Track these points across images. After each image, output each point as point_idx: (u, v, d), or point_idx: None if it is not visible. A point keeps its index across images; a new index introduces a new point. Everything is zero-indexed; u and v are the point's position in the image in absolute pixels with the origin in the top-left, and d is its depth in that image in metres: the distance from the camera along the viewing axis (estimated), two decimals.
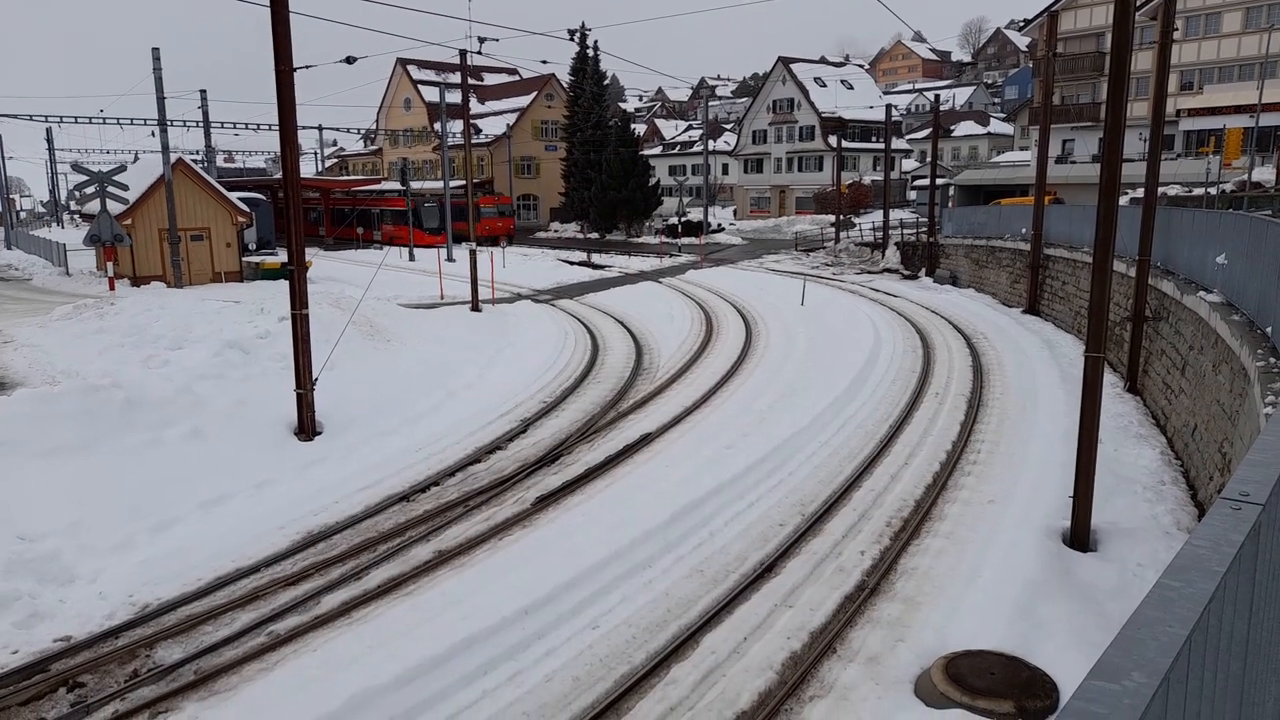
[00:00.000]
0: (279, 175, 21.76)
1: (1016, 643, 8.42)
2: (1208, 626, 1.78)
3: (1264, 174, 37.37)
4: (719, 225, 62.06)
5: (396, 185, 54.48)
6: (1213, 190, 32.26)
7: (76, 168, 31.92)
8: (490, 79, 76.41)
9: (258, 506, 12.47)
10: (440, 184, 48.70)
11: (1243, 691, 2.30)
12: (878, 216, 48.61)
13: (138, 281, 31.87)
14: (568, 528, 11.51)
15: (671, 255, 48.23)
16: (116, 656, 8.69)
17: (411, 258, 46.23)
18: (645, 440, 15.26)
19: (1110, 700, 1.40)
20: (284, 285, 19.45)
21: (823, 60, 76.98)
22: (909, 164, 77.69)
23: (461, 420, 16.68)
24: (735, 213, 75.32)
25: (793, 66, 70.54)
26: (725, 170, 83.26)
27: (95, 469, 12.60)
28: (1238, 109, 41.31)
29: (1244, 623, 2.21)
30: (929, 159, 46.19)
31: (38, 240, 47.95)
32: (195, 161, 40.22)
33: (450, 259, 43.11)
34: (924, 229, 41.67)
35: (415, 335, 22.80)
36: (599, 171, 58.59)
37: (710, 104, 70.44)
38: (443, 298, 31.78)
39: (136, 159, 50.25)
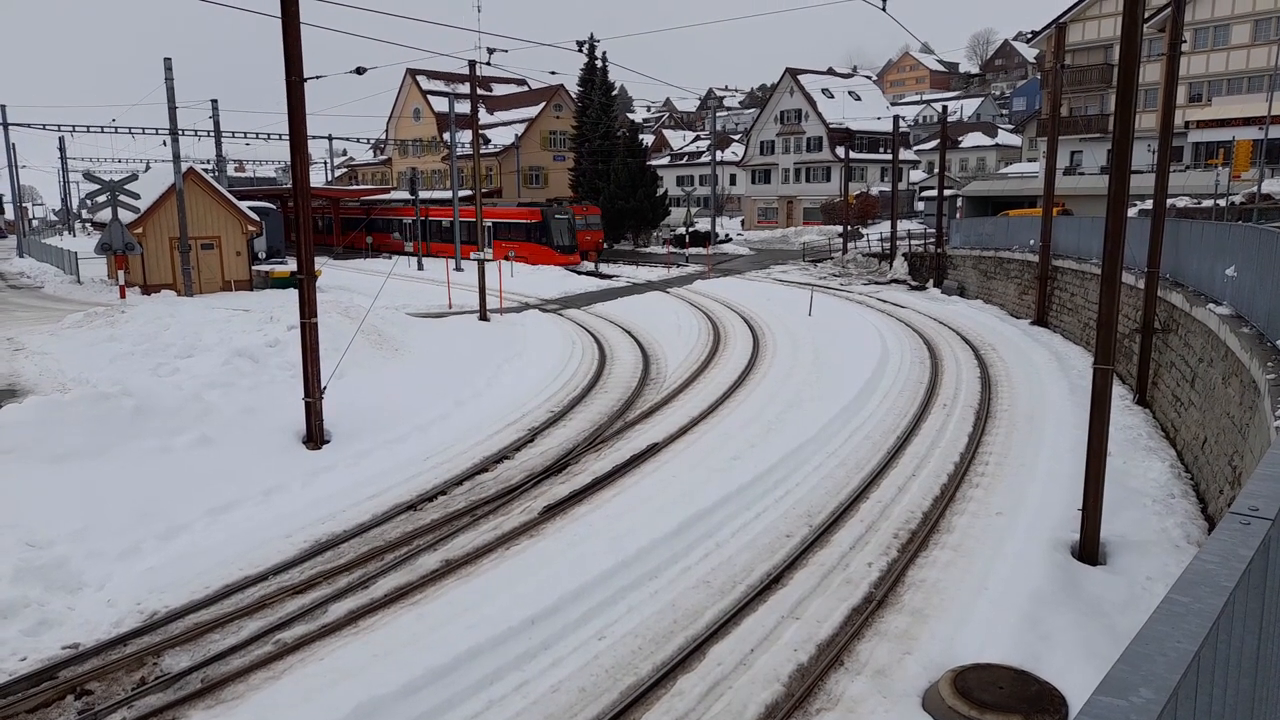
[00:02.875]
0: (290, 184, 21.82)
1: (1025, 656, 8.38)
2: (1216, 642, 1.78)
3: (1273, 186, 37.21)
4: (726, 235, 62.20)
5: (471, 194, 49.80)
6: (1222, 202, 32.16)
7: (88, 176, 32.16)
8: (499, 89, 76.72)
9: (265, 514, 12.50)
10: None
11: (1253, 708, 2.29)
12: (885, 227, 48.61)
13: (148, 290, 32.07)
14: (575, 537, 11.50)
15: (679, 265, 48.25)
16: (124, 664, 8.71)
17: (420, 267, 46.38)
18: (652, 450, 15.26)
19: (1118, 716, 1.41)
20: (293, 294, 19.54)
21: (830, 71, 77.01)
22: (917, 175, 77.69)
23: (469, 429, 16.70)
24: (743, 223, 75.36)
25: (800, 78, 70.62)
26: (733, 181, 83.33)
27: (104, 476, 12.66)
28: (1247, 121, 41.19)
29: (1254, 638, 2.20)
30: (937, 170, 46.16)
31: (49, 248, 48.25)
32: (206, 170, 40.51)
33: (458, 268, 43.24)
34: (932, 240, 41.62)
35: (423, 344, 22.87)
36: (607, 181, 58.76)
37: (718, 115, 70.58)
38: (451, 307, 31.88)
39: (148, 168, 50.47)
